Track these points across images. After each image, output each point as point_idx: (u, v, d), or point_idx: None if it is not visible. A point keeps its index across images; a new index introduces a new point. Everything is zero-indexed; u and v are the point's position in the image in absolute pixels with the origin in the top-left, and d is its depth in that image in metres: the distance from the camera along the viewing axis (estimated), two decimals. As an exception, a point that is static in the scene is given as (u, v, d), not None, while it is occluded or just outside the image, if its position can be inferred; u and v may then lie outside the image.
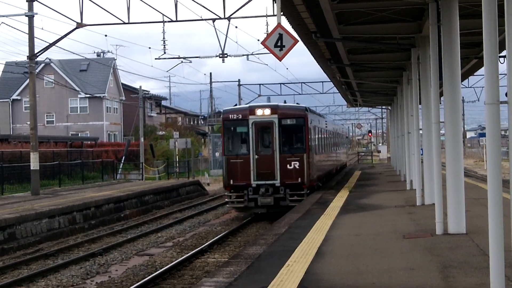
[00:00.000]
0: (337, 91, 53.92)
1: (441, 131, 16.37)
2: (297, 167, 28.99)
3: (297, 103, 33.02)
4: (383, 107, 71.61)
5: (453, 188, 15.20)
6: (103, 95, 77.68)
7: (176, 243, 24.35)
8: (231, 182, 29.35)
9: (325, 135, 38.41)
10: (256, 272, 11.87)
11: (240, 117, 29.57)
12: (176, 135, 63.35)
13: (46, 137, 57.17)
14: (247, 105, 31.37)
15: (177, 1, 32.12)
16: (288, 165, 29.00)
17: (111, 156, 59.04)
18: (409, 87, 27.31)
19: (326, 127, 39.55)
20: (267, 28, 35.62)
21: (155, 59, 41.70)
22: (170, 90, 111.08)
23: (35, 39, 35.88)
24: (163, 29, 37.88)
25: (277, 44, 15.39)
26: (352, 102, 59.64)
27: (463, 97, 73.08)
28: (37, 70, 46.64)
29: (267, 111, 29.44)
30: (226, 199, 31.25)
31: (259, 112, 29.43)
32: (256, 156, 29.12)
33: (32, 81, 36.55)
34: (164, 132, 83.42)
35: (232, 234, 25.78)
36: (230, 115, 29.96)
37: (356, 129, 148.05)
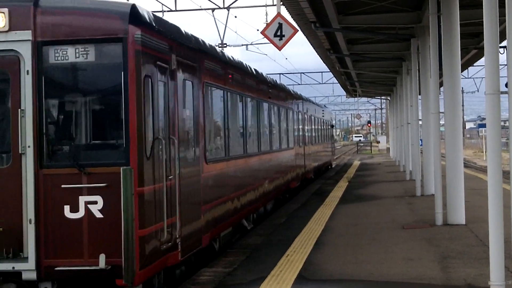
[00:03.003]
0: (337, 82, 53.88)
1: (440, 122, 16.36)
2: (101, 214, 8.86)
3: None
4: (383, 97, 71.57)
5: (453, 178, 15.20)
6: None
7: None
8: None
9: (261, 115, 18.47)
10: (255, 262, 11.86)
11: None
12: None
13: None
14: None
15: (176, -9, 32.03)
16: (70, 210, 8.88)
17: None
18: (409, 77, 27.28)
19: (269, 98, 19.59)
20: (266, 18, 35.48)
21: (154, 48, 41.43)
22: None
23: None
24: (162, 19, 37.67)
25: (277, 34, 15.36)
26: (352, 93, 59.64)
27: (462, 88, 73.13)
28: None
29: None
30: None
31: None
32: None
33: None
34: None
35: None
36: None
37: (355, 120, 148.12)
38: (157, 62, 9.69)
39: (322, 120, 37.27)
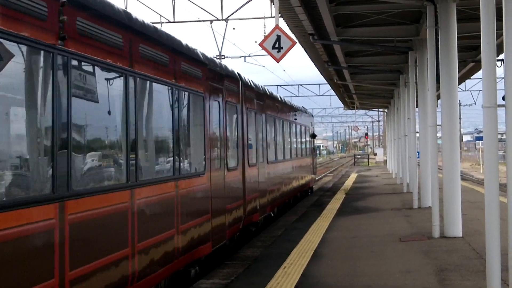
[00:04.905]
0: (334, 94, 53.97)
1: (438, 134, 16.40)
2: None
3: None
4: (380, 109, 71.71)
5: (450, 191, 15.22)
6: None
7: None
8: None
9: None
10: (253, 274, 11.86)
11: None
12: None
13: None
14: None
15: (174, 2, 32.14)
16: None
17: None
18: (406, 90, 27.35)
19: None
20: (264, 30, 35.60)
21: (152, 60, 41.41)
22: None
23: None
24: (161, 30, 37.72)
25: (275, 46, 15.40)
26: (349, 105, 59.74)
27: (460, 101, 73.28)
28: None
29: None
30: None
31: None
32: None
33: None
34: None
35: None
36: None
37: (353, 132, 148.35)
38: None
39: (293, 126, 26.13)
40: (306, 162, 30.23)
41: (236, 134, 15.71)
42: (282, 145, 23.29)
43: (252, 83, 17.96)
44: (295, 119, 26.89)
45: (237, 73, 16.27)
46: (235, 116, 15.55)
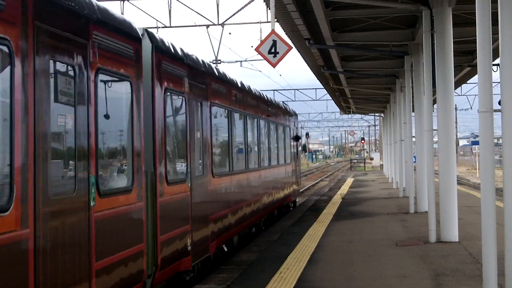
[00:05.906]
0: (330, 98, 53.96)
1: (434, 139, 16.40)
2: None
3: None
4: (376, 114, 71.75)
5: (446, 195, 15.22)
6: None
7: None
8: None
9: None
10: (249, 279, 11.83)
11: None
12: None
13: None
14: None
15: (171, 7, 32.14)
16: None
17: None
18: (402, 94, 27.36)
19: None
20: (261, 35, 35.62)
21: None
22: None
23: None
24: (157, 35, 37.67)
25: (271, 51, 15.39)
26: (345, 109, 59.74)
27: (456, 105, 73.35)
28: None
29: None
30: None
31: None
32: None
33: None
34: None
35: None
36: None
37: (349, 136, 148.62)
38: None
39: (264, 124, 20.46)
40: (286, 171, 24.36)
41: (131, 131, 9.15)
42: (245, 149, 17.52)
43: (181, 52, 11.75)
44: (268, 115, 21.03)
45: (144, 29, 10.24)
46: (130, 100, 9.14)
